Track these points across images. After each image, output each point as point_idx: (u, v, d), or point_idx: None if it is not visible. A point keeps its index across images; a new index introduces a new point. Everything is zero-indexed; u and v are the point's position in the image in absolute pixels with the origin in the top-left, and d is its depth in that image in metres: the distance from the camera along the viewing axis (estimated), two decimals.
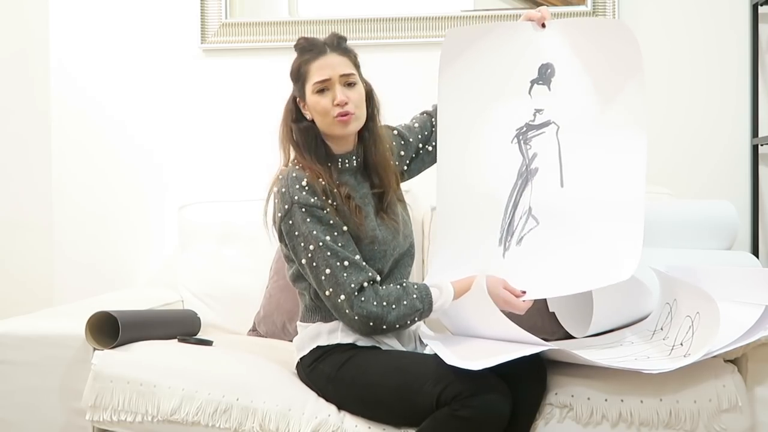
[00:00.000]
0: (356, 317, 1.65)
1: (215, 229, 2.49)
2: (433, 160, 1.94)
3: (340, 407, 1.71)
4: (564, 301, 2.05)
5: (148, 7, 2.73)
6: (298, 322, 1.82)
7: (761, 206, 2.55)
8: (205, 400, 1.73)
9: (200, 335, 2.12)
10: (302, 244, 1.67)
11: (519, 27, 1.86)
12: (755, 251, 2.51)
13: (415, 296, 1.68)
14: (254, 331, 2.33)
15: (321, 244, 1.66)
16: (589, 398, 1.67)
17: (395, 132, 1.93)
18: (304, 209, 1.67)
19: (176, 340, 2.00)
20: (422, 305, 1.69)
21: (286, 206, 1.68)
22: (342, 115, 1.71)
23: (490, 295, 1.67)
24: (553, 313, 2.04)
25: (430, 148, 1.94)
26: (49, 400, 1.88)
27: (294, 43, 1.80)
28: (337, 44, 1.75)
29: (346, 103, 1.70)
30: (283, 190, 1.69)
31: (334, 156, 1.77)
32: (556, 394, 1.69)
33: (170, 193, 2.72)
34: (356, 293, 1.65)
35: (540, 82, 1.86)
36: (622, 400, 1.66)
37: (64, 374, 1.87)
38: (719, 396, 1.66)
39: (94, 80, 2.76)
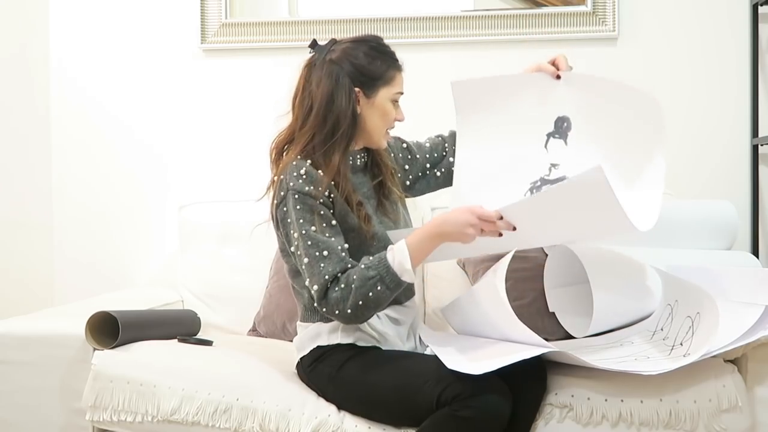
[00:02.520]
0: (324, 309, 1.65)
1: (215, 229, 2.49)
2: (441, 185, 1.96)
3: (340, 407, 1.71)
4: (564, 300, 2.06)
5: (148, 7, 2.73)
6: (298, 322, 1.82)
7: (761, 206, 2.55)
8: (205, 400, 1.73)
9: (200, 335, 2.12)
10: (291, 231, 1.68)
11: (532, 79, 1.81)
12: (755, 251, 2.51)
13: (363, 266, 1.64)
14: (254, 331, 2.33)
15: (304, 232, 1.66)
16: (589, 398, 1.67)
17: (404, 145, 1.94)
18: (297, 196, 1.67)
19: (176, 340, 2.00)
20: (375, 272, 1.63)
21: (282, 193, 1.70)
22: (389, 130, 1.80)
23: (455, 221, 1.60)
24: (553, 313, 2.05)
25: (438, 174, 1.94)
26: (49, 400, 1.88)
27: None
28: None
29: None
30: (282, 177, 1.71)
31: (347, 152, 1.77)
32: (556, 394, 1.69)
33: (170, 193, 2.72)
34: (330, 284, 1.64)
35: (556, 135, 1.82)
36: (622, 401, 1.66)
37: (64, 374, 1.87)
38: (719, 396, 1.66)
39: (94, 80, 2.76)
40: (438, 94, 2.23)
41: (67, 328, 1.88)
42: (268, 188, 1.78)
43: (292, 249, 1.70)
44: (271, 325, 2.28)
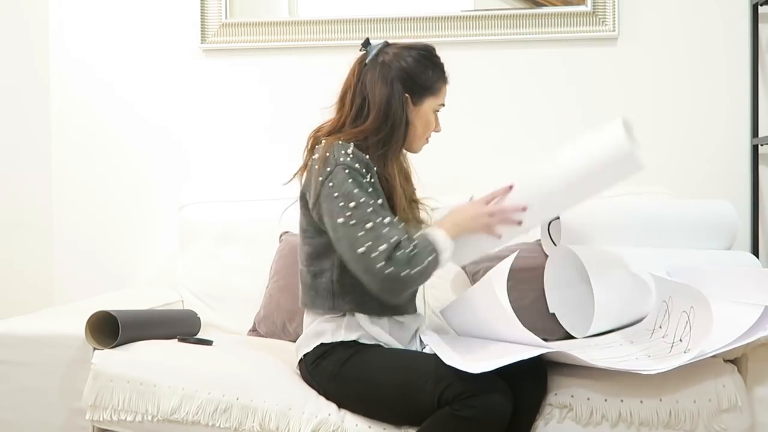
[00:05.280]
0: (389, 269, 1.62)
1: (215, 229, 2.49)
2: None
3: (341, 405, 1.71)
4: (564, 301, 2.06)
5: (148, 7, 2.74)
6: (307, 312, 1.81)
7: (761, 206, 2.55)
8: (205, 400, 1.73)
9: (200, 335, 2.12)
10: (341, 204, 1.67)
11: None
12: (755, 251, 2.51)
13: (416, 240, 1.69)
14: (254, 331, 2.33)
15: (362, 200, 1.66)
16: (588, 398, 1.67)
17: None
18: (347, 170, 1.68)
19: (176, 339, 2.00)
20: (432, 246, 1.67)
21: (329, 168, 1.69)
22: (428, 139, 1.85)
23: (471, 220, 1.73)
24: (554, 313, 2.05)
25: None
26: (49, 400, 1.88)
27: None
28: None
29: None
30: (327, 155, 1.71)
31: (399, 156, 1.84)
32: (555, 394, 1.69)
33: (170, 193, 2.72)
34: (395, 246, 1.64)
35: None
36: (621, 401, 1.66)
37: (64, 374, 1.87)
38: (719, 396, 1.66)
39: (94, 80, 2.76)
40: None
41: (67, 328, 1.88)
42: (297, 173, 1.81)
43: (341, 220, 1.66)
44: (271, 325, 2.27)
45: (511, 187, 1.75)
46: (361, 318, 1.73)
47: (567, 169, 1.72)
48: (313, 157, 1.75)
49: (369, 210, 1.66)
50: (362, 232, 1.64)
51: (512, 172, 1.78)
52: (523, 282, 2.12)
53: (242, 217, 2.48)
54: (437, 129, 1.84)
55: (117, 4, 2.75)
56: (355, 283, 1.69)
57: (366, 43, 1.83)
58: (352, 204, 1.66)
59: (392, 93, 1.75)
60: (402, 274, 1.62)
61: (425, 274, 1.66)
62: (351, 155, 1.70)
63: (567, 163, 1.73)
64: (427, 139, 1.84)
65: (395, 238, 1.64)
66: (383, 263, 1.62)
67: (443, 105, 1.84)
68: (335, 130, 1.79)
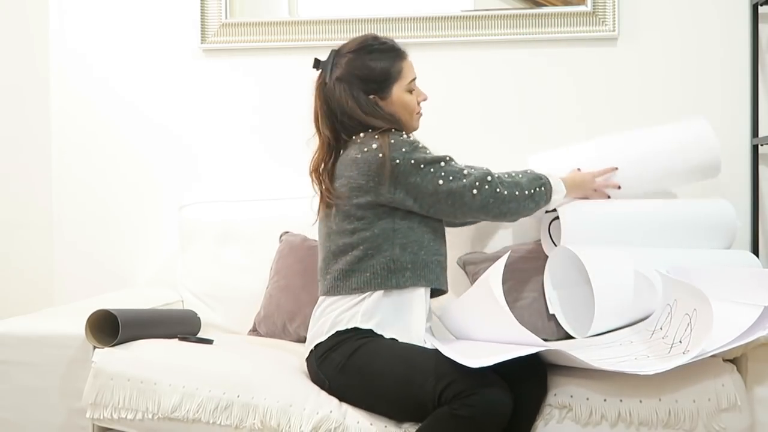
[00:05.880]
0: (506, 192, 1.80)
1: (215, 229, 2.49)
2: None
3: (344, 398, 1.71)
4: (564, 302, 2.06)
5: (148, 7, 2.74)
6: (332, 300, 1.79)
7: (761, 206, 2.54)
8: (205, 397, 1.73)
9: (200, 335, 2.12)
10: (432, 170, 1.76)
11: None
12: (755, 251, 2.50)
13: (522, 175, 1.88)
14: (254, 331, 2.33)
15: (446, 158, 1.79)
16: (588, 398, 1.67)
17: None
18: (419, 145, 1.78)
19: (177, 338, 2.00)
20: (520, 174, 1.87)
21: (404, 149, 1.75)
22: (419, 112, 1.91)
23: (582, 186, 2.01)
24: (554, 315, 2.05)
25: None
26: (49, 400, 1.88)
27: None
28: None
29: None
30: (392, 141, 1.76)
31: None
32: (555, 394, 1.69)
33: (170, 193, 2.72)
34: (498, 176, 1.82)
35: None
36: (621, 401, 1.66)
37: (64, 374, 1.87)
38: (718, 395, 1.66)
39: (93, 80, 2.76)
40: (438, 93, 2.23)
41: (67, 328, 1.89)
42: (320, 207, 1.85)
43: (441, 182, 1.75)
44: (271, 326, 2.27)
45: (616, 169, 2.06)
46: (413, 291, 1.77)
47: (663, 169, 2.10)
48: (364, 150, 1.76)
49: (453, 163, 1.79)
50: (464, 180, 1.76)
51: (617, 153, 2.10)
52: (523, 282, 2.12)
53: (242, 217, 2.48)
54: (422, 98, 1.89)
55: (117, 4, 2.75)
56: (416, 259, 1.77)
57: (316, 64, 1.86)
58: (441, 164, 1.77)
59: (360, 103, 1.80)
60: (516, 192, 1.81)
61: (533, 199, 1.85)
62: (410, 137, 1.79)
63: (664, 164, 2.10)
64: (418, 113, 1.89)
65: (488, 169, 1.81)
66: (499, 189, 1.79)
67: (415, 78, 1.87)
68: (329, 156, 1.83)
